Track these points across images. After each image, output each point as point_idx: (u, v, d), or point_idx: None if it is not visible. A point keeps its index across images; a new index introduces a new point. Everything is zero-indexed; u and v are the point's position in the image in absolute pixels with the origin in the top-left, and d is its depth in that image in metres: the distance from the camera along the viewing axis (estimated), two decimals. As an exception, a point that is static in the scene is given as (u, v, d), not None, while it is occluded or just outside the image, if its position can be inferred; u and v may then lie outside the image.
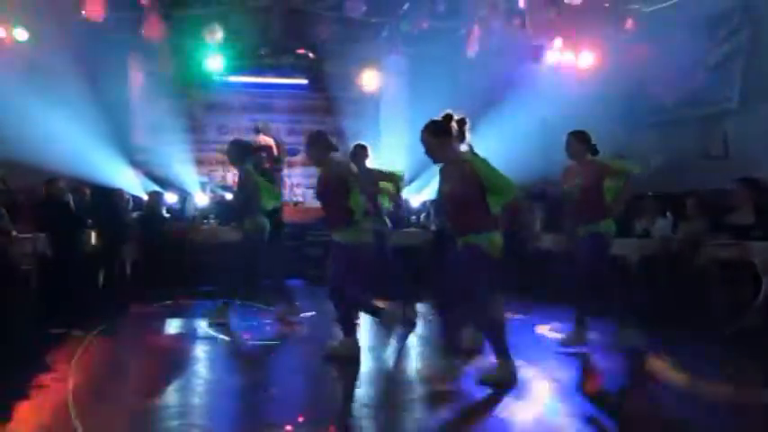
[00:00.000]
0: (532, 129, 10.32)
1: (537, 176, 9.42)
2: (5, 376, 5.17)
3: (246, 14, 12.17)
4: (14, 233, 7.29)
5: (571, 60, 10.91)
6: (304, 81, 14.09)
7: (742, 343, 6.45)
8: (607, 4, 10.10)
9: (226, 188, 11.83)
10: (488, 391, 4.90)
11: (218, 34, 11.48)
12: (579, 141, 6.33)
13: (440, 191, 5.23)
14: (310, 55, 13.59)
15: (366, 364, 5.81)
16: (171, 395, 4.98)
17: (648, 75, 9.94)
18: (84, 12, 9.77)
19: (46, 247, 7.74)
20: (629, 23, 9.81)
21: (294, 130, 14.03)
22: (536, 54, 10.95)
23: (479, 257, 4.95)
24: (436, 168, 5.41)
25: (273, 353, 6.46)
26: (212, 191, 12.08)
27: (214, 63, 12.28)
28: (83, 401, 4.66)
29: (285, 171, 13.20)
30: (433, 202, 9.71)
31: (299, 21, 12.38)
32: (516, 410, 4.52)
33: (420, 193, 12.11)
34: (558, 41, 10.88)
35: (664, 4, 9.46)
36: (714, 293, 7.31)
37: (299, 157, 13.14)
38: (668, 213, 8.69)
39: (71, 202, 8.75)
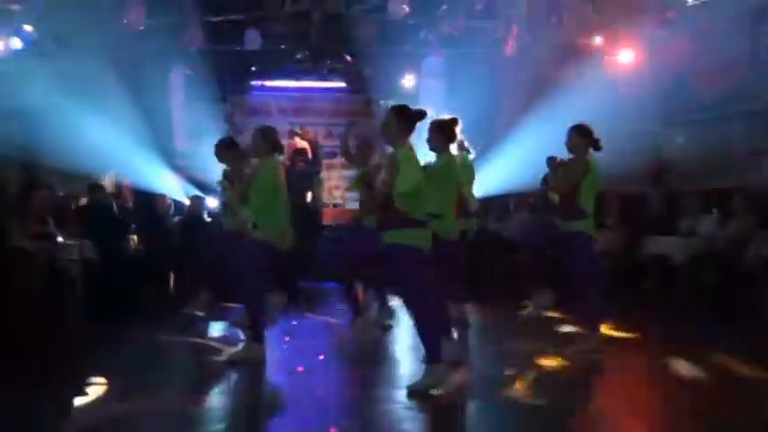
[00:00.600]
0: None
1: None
2: (52, 380, 5.24)
3: (285, 19, 12.27)
4: (60, 239, 7.41)
5: (611, 57, 10.75)
6: (342, 84, 14.12)
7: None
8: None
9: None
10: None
11: (256, 39, 11.57)
12: (580, 135, 6.11)
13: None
14: (348, 58, 13.62)
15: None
16: (215, 398, 5.02)
17: (691, 70, 9.77)
18: (125, 19, 9.93)
19: (91, 253, 7.84)
20: (671, 17, 9.62)
21: (332, 133, 14.08)
22: (575, 52, 10.81)
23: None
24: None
25: (315, 356, 6.46)
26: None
27: (253, 67, 12.37)
28: (128, 404, 4.71)
29: (323, 173, 13.23)
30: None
31: (336, 24, 12.43)
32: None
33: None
34: (597, 38, 10.72)
35: (706, -1, 9.30)
36: (763, 293, 7.15)
37: (338, 160, 13.18)
38: (714, 210, 8.52)
39: (114, 208, 8.86)
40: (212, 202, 11.07)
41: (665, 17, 9.60)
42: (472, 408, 4.82)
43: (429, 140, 6.15)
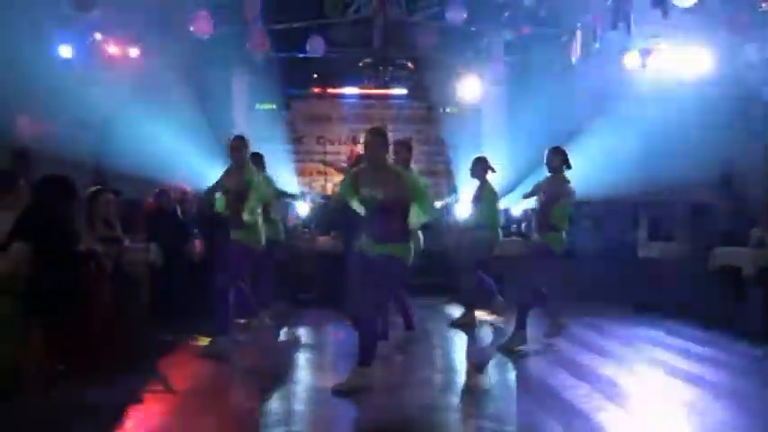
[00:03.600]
0: (639, 136, 10.02)
1: (640, 184, 9.17)
2: (118, 382, 5.34)
3: (347, 26, 12.34)
4: (127, 242, 7.56)
5: (680, 64, 10.47)
6: (404, 91, 14.12)
7: None
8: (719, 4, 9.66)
9: (326, 198, 11.97)
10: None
11: (319, 46, 11.66)
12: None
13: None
14: (410, 65, 13.62)
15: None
16: (274, 401, 5.05)
17: (763, 78, 9.46)
18: (192, 28, 10.12)
19: (157, 257, 7.99)
20: (743, 23, 9.33)
21: (392, 139, 14.04)
22: (642, 59, 10.58)
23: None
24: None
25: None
26: (312, 200, 12.24)
27: (314, 74, 12.46)
28: (190, 407, 4.78)
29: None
30: (534, 210, 9.60)
31: (399, 31, 12.44)
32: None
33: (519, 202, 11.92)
34: (665, 45, 10.46)
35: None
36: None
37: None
38: (788, 221, 8.25)
39: (179, 213, 9.01)
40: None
41: (737, 23, 9.32)
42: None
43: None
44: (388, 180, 5.19)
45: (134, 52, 10.28)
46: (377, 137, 5.31)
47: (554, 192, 6.78)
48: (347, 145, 13.50)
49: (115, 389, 5.12)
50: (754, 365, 6.30)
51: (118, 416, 4.54)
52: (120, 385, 5.23)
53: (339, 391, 5.02)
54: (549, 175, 6.89)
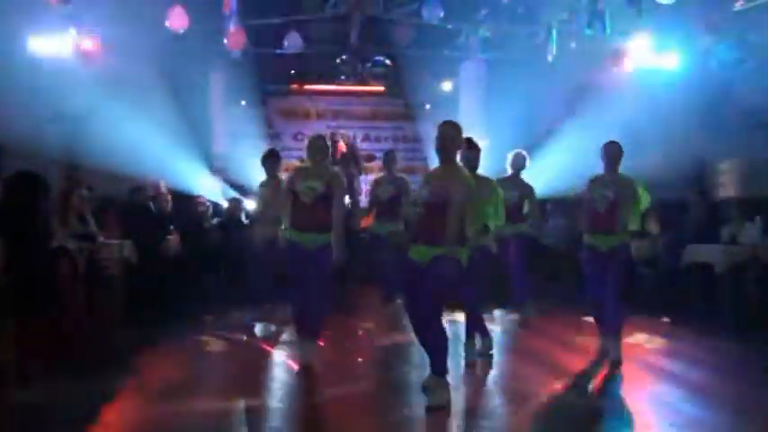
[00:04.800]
0: (614, 134, 10.08)
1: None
2: (90, 379, 5.31)
3: (324, 22, 12.31)
4: (101, 239, 7.51)
5: (654, 62, 10.57)
6: (381, 88, 14.12)
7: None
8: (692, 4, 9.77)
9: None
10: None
11: (296, 42, 11.62)
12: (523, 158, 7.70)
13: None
14: (387, 62, 13.62)
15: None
16: (251, 398, 5.04)
17: (736, 77, 9.58)
18: (167, 23, 10.05)
19: (131, 253, 7.95)
20: (717, 22, 9.43)
21: (369, 136, 14.09)
22: (617, 57, 10.67)
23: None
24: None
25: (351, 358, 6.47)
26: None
27: (292, 70, 12.43)
28: (165, 404, 4.76)
29: (362, 177, 13.23)
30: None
31: (376, 28, 12.43)
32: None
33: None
34: (640, 44, 10.56)
35: (753, 3, 9.09)
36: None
37: (376, 164, 13.17)
38: (757, 218, 8.35)
39: (154, 209, 8.97)
40: (250, 205, 11.15)
41: (711, 22, 9.42)
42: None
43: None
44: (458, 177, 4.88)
45: (108, 47, 10.16)
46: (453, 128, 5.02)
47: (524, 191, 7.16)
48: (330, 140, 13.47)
49: (89, 387, 5.08)
50: (724, 361, 6.38)
51: (92, 414, 4.51)
52: (94, 383, 5.19)
53: (436, 407, 4.70)
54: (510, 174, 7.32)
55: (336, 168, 6.56)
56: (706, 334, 7.40)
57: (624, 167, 6.35)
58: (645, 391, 5.33)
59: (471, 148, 6.09)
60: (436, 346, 4.78)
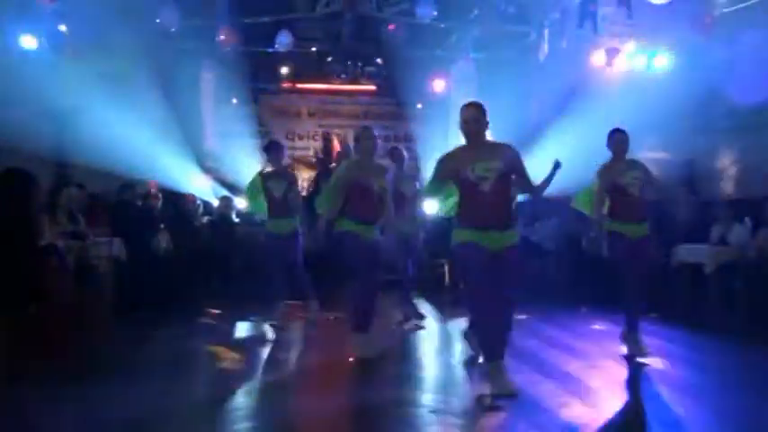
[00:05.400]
0: (604, 134, 10.11)
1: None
2: (79, 377, 5.29)
3: (316, 20, 12.29)
4: (90, 236, 7.48)
5: (644, 63, 10.63)
6: (372, 87, 14.11)
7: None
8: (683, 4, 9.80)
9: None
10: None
11: (288, 41, 11.60)
12: None
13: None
14: (379, 61, 13.61)
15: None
16: (240, 397, 5.03)
17: (726, 78, 9.62)
18: (158, 19, 10.01)
19: (121, 251, 7.92)
20: (707, 22, 9.46)
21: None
22: (608, 57, 10.70)
23: None
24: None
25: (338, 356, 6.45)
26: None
27: (283, 69, 12.40)
28: (153, 403, 4.74)
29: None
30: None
31: (368, 26, 12.42)
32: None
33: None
34: (631, 44, 10.61)
35: (744, 4, 9.12)
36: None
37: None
38: (747, 219, 8.39)
39: (144, 207, 8.95)
40: (241, 203, 11.14)
41: (701, 23, 9.45)
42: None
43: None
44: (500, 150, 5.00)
45: (99, 44, 10.10)
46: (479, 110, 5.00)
47: None
48: (315, 140, 13.48)
49: (78, 386, 5.06)
50: (713, 360, 6.40)
51: (82, 413, 4.48)
52: (83, 382, 5.17)
53: (508, 395, 4.71)
54: None
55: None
56: (694, 332, 7.43)
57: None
58: (634, 390, 5.34)
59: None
60: (506, 331, 4.89)
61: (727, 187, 9.61)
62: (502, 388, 4.71)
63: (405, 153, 7.58)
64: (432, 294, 9.91)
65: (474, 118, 4.95)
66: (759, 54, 8.95)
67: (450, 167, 4.99)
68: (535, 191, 5.42)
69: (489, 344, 4.87)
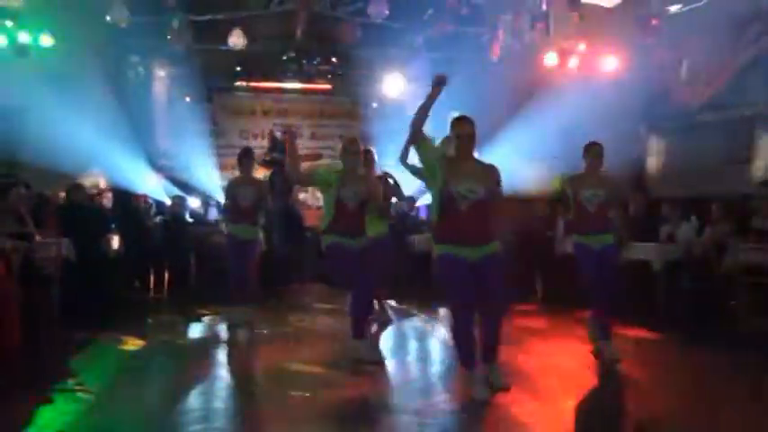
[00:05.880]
0: (555, 134, 10.26)
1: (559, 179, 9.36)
2: (29, 381, 5.20)
3: (270, 19, 12.22)
4: (38, 237, 7.34)
5: (595, 64, 10.80)
6: (328, 86, 14.09)
7: (760, 344, 6.43)
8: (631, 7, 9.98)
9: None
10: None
11: (241, 39, 11.52)
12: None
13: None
14: (334, 60, 13.59)
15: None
16: (194, 399, 4.99)
17: (673, 78, 9.82)
18: (108, 17, 9.86)
19: (69, 252, 7.79)
20: (654, 24, 9.65)
21: (316, 134, 14.08)
22: (560, 58, 10.85)
23: None
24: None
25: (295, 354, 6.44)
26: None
27: (237, 67, 12.33)
28: (105, 406, 4.69)
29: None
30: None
31: (322, 25, 12.39)
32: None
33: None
34: (581, 45, 10.77)
35: (689, 7, 9.33)
36: (738, 298, 7.23)
37: (323, 162, 13.14)
38: (693, 218, 8.58)
39: (94, 207, 8.81)
40: (194, 203, 11.05)
41: (648, 25, 9.64)
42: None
43: None
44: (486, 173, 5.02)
45: (48, 40, 9.91)
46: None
47: None
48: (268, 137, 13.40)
49: (24, 389, 4.98)
50: (661, 355, 6.54)
51: (29, 417, 4.41)
52: (30, 386, 5.09)
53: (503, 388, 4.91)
54: None
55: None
56: (643, 329, 7.57)
57: (566, 167, 6.50)
58: (586, 388, 5.42)
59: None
60: (497, 337, 4.93)
61: (675, 186, 9.80)
62: (497, 382, 4.90)
63: (375, 156, 7.53)
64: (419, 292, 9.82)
65: (469, 134, 4.99)
66: (705, 55, 9.18)
67: (443, 171, 4.96)
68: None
69: (464, 351, 4.97)
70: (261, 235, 7.69)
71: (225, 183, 7.90)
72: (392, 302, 8.47)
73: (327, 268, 6.36)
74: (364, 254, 5.98)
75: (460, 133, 4.98)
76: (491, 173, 5.05)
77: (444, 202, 4.93)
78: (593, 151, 6.26)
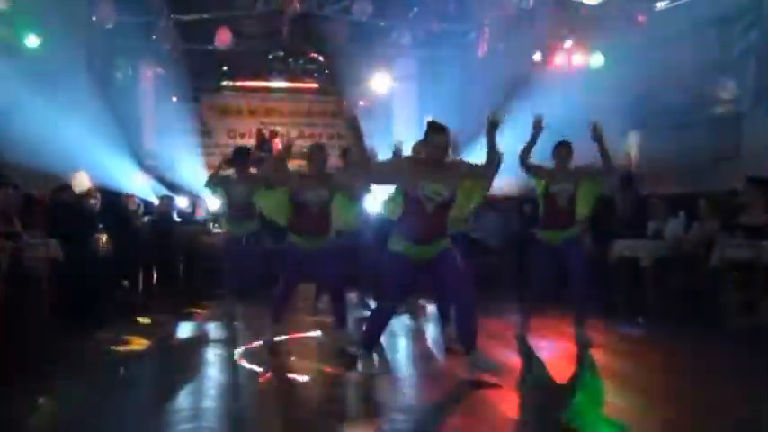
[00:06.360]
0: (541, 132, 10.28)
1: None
2: (18, 382, 5.17)
3: (257, 18, 12.22)
4: (26, 238, 7.30)
5: (581, 61, 10.86)
6: (314, 85, 14.09)
7: (748, 341, 6.47)
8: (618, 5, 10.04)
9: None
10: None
11: (228, 38, 11.51)
12: None
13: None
14: (320, 58, 13.61)
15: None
16: (183, 398, 4.98)
17: (659, 76, 9.87)
18: (94, 16, 9.82)
19: (57, 252, 7.74)
20: (640, 22, 9.71)
21: (304, 133, 14.08)
22: (546, 55, 10.89)
23: None
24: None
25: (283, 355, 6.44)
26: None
27: (224, 67, 12.31)
28: (95, 406, 4.67)
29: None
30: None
31: (309, 24, 12.41)
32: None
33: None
34: (568, 42, 10.82)
35: (675, 4, 9.40)
36: (726, 294, 7.28)
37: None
38: (681, 214, 8.63)
39: (82, 208, 8.76)
40: (182, 202, 11.02)
41: (634, 22, 9.70)
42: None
43: None
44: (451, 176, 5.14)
45: (34, 40, 9.85)
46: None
47: None
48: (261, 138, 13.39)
49: (12, 390, 4.95)
50: (649, 351, 6.57)
51: (17, 421, 4.38)
52: (18, 387, 5.06)
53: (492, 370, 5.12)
54: None
55: None
56: (631, 325, 7.61)
57: (550, 164, 6.59)
58: (573, 382, 5.45)
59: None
60: (474, 325, 5.17)
61: (663, 183, 9.84)
62: (484, 366, 5.12)
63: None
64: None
65: (445, 147, 5.11)
66: (691, 53, 9.23)
67: (407, 174, 5.09)
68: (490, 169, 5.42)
69: (376, 335, 5.43)
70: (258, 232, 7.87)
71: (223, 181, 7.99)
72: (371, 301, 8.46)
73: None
74: (324, 256, 6.14)
75: (439, 144, 5.07)
76: (454, 172, 5.18)
77: (409, 204, 5.08)
78: (558, 151, 6.55)
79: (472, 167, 5.31)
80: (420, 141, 5.63)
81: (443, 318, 6.42)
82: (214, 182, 7.85)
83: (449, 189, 5.05)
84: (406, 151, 6.11)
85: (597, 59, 10.73)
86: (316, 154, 6.24)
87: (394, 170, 5.25)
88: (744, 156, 9.03)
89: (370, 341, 5.42)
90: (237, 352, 6.33)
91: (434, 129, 5.12)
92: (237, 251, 7.77)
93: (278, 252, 6.50)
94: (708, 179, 8.92)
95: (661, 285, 8.19)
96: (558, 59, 10.91)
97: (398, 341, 6.96)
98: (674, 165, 9.38)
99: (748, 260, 7.05)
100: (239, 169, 7.85)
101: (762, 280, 6.83)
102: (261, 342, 6.45)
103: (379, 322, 5.41)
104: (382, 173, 5.32)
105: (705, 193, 8.49)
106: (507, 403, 4.74)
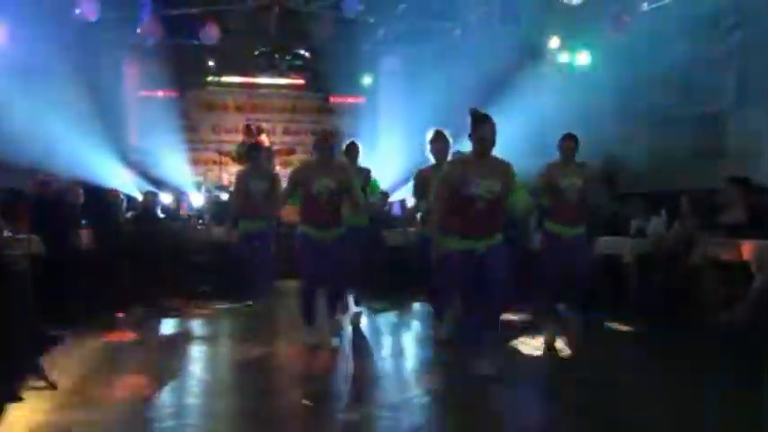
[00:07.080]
0: (528, 128, 10.31)
1: (532, 175, 9.43)
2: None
3: (243, 13, 12.18)
4: (7, 234, 7.25)
5: (567, 59, 10.88)
6: (300, 81, 14.07)
7: (730, 338, 6.50)
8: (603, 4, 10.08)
9: (221, 188, 11.84)
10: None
11: (214, 33, 11.46)
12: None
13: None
14: (307, 54, 13.58)
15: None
16: (166, 395, 4.97)
17: (644, 73, 9.92)
18: (78, 10, 9.74)
19: (40, 248, 7.70)
20: (625, 20, 9.74)
21: (290, 129, 14.06)
22: (532, 53, 10.92)
23: None
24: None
25: (267, 352, 6.43)
26: (208, 191, 12.06)
27: (210, 62, 12.26)
28: (77, 402, 4.65)
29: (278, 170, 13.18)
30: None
31: (295, 20, 12.38)
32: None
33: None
34: (554, 40, 10.84)
35: (660, 3, 9.44)
36: (707, 291, 7.32)
37: (295, 156, 13.16)
38: (663, 212, 8.67)
39: (64, 203, 8.71)
40: (166, 198, 10.97)
41: (621, 21, 9.73)
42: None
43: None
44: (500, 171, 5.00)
45: (16, 36, 9.75)
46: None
47: None
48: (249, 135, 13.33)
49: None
50: (629, 347, 6.62)
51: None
52: (1, 383, 5.02)
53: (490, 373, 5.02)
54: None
55: None
56: (614, 321, 7.65)
57: (538, 164, 6.60)
58: (558, 380, 5.48)
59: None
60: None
61: (646, 180, 9.89)
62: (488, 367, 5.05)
63: (359, 148, 7.54)
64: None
65: (491, 137, 4.94)
66: (675, 50, 9.27)
67: (457, 175, 4.96)
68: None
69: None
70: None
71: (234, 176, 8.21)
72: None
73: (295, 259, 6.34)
74: (333, 248, 6.02)
75: (485, 135, 4.92)
76: (506, 170, 5.05)
77: (461, 201, 4.91)
78: (564, 145, 6.43)
79: (513, 184, 5.11)
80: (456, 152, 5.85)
81: (438, 314, 6.47)
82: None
83: (501, 187, 4.93)
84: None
85: (583, 58, 10.76)
86: (322, 143, 6.12)
87: (450, 182, 5.01)
88: (727, 154, 9.09)
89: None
90: (219, 348, 6.33)
91: (478, 118, 4.95)
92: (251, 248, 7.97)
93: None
94: (690, 177, 8.98)
95: (643, 282, 8.23)
96: (544, 57, 10.93)
97: (398, 341, 6.99)
98: (656, 162, 9.43)
99: (728, 258, 7.10)
100: (253, 165, 8.16)
101: (741, 278, 6.87)
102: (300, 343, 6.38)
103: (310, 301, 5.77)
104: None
105: (687, 190, 8.54)
106: (503, 402, 4.76)
